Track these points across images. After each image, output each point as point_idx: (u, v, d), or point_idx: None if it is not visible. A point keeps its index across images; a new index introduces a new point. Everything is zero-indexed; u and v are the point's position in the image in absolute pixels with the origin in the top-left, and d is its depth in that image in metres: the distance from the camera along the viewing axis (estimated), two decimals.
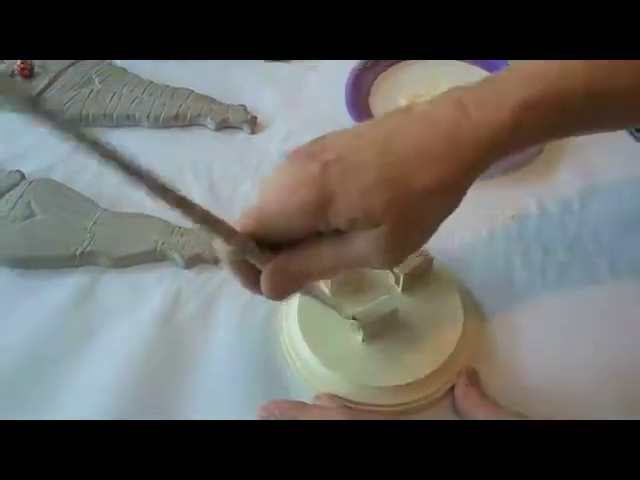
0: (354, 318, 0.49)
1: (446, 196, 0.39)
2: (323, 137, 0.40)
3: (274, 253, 0.39)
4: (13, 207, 0.60)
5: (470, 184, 0.40)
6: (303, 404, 0.47)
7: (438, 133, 0.39)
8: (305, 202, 0.37)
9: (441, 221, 0.40)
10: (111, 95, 0.72)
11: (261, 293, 0.40)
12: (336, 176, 0.37)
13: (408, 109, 0.41)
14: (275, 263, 0.39)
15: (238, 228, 0.38)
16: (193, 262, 0.57)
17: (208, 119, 0.70)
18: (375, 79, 0.76)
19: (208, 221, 0.36)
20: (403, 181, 0.37)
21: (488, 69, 0.77)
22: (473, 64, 0.76)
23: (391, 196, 0.37)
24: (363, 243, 0.38)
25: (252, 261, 0.39)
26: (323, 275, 0.41)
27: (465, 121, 0.39)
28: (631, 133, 0.69)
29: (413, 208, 0.38)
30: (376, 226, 0.37)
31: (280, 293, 0.40)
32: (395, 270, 0.52)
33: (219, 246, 0.39)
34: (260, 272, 0.39)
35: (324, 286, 0.52)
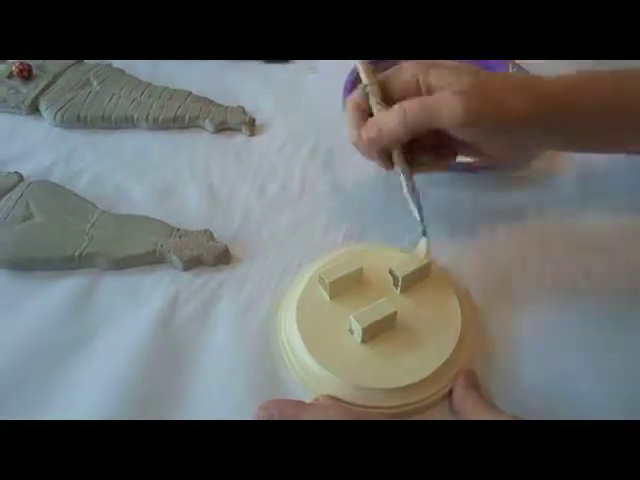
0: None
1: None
2: None
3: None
4: (12, 209, 0.60)
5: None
6: (302, 403, 0.47)
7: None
8: (419, 63, 0.53)
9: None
10: (109, 97, 0.72)
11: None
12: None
13: None
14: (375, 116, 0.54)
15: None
16: (191, 264, 0.57)
17: (206, 121, 0.70)
18: None
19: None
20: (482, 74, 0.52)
21: (486, 69, 0.77)
22: (471, 64, 0.76)
23: (475, 75, 0.51)
24: (443, 94, 0.50)
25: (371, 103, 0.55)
26: (398, 123, 0.51)
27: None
28: None
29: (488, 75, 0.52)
30: (455, 86, 0.50)
31: (368, 139, 0.53)
32: (395, 273, 0.52)
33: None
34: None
35: (323, 290, 0.53)
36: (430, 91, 0.52)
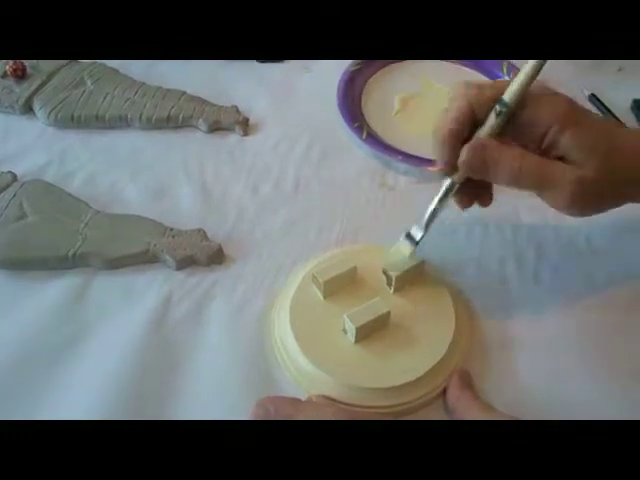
0: None
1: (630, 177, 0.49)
2: None
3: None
4: (5, 208, 0.60)
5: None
6: (298, 401, 0.47)
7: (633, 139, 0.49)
8: (564, 112, 0.47)
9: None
10: (103, 96, 0.72)
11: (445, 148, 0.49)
12: (587, 115, 0.48)
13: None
14: (487, 140, 0.48)
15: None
16: (185, 264, 0.57)
17: (200, 120, 0.70)
18: (367, 80, 0.77)
19: None
20: (616, 143, 0.48)
21: (480, 70, 0.77)
22: (465, 65, 0.77)
23: (606, 149, 0.47)
24: (565, 169, 0.47)
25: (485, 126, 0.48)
26: (507, 173, 0.47)
27: None
28: None
29: (613, 170, 0.47)
30: (582, 167, 0.46)
31: (469, 165, 0.48)
32: (389, 273, 0.52)
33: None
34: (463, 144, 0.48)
35: (317, 289, 0.53)
36: (553, 148, 0.47)
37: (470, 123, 0.49)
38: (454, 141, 0.48)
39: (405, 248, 0.53)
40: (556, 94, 0.49)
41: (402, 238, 0.53)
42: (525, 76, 0.47)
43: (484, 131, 0.48)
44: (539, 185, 0.48)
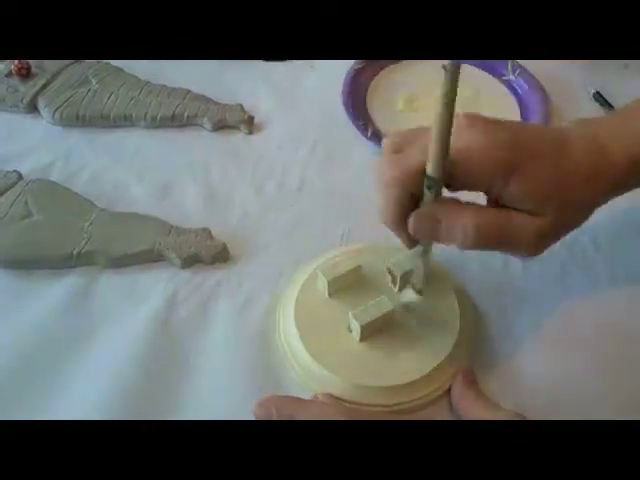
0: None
1: (586, 213, 0.48)
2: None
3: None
4: (10, 207, 0.60)
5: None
6: (300, 400, 0.47)
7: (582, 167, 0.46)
8: (498, 162, 0.43)
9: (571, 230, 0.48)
10: (108, 95, 0.72)
11: (396, 230, 0.47)
12: (524, 150, 0.44)
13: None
14: (430, 206, 0.45)
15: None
16: (189, 262, 0.57)
17: (205, 119, 0.70)
18: (372, 79, 0.77)
19: None
20: (569, 192, 0.45)
21: (484, 68, 0.77)
22: (470, 64, 0.77)
23: (562, 200, 0.45)
24: (523, 222, 0.44)
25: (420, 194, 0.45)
26: (461, 233, 0.45)
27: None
28: None
29: (570, 215, 0.46)
30: (538, 215, 0.44)
31: (417, 233, 0.46)
32: (393, 271, 0.52)
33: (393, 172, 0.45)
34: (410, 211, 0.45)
35: (322, 288, 0.53)
36: (502, 200, 0.45)
37: (409, 203, 0.45)
38: (404, 225, 0.46)
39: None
40: (490, 141, 0.44)
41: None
42: (437, 144, 0.41)
43: (425, 203, 0.45)
44: (501, 241, 0.45)
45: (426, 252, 0.49)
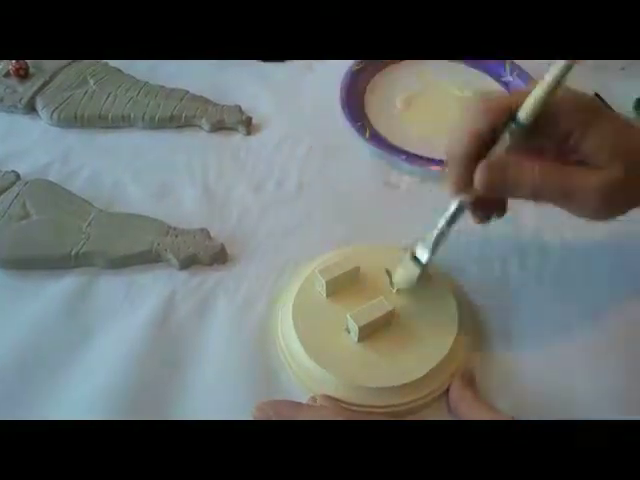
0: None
1: None
2: None
3: None
4: (8, 208, 0.60)
5: None
6: (298, 404, 0.47)
7: None
8: (583, 108, 0.45)
9: None
10: (106, 96, 0.72)
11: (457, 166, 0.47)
12: (602, 112, 0.46)
13: None
14: (503, 158, 0.46)
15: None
16: (188, 263, 0.57)
17: (203, 120, 0.70)
18: (370, 80, 0.77)
19: None
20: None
21: (482, 69, 0.77)
22: (467, 64, 0.77)
23: (631, 157, 0.44)
24: (589, 173, 0.45)
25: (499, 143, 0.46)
26: (528, 189, 0.45)
27: None
28: None
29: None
30: (607, 170, 0.44)
31: (487, 185, 0.45)
32: (391, 272, 0.52)
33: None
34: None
35: (320, 289, 0.53)
36: (574, 152, 0.45)
37: (484, 142, 0.46)
38: (468, 162, 0.46)
39: (411, 270, 0.51)
40: (574, 94, 0.46)
41: (407, 258, 0.51)
42: (542, 91, 0.43)
43: (498, 149, 0.46)
44: (563, 197, 0.45)
45: (455, 217, 0.49)
